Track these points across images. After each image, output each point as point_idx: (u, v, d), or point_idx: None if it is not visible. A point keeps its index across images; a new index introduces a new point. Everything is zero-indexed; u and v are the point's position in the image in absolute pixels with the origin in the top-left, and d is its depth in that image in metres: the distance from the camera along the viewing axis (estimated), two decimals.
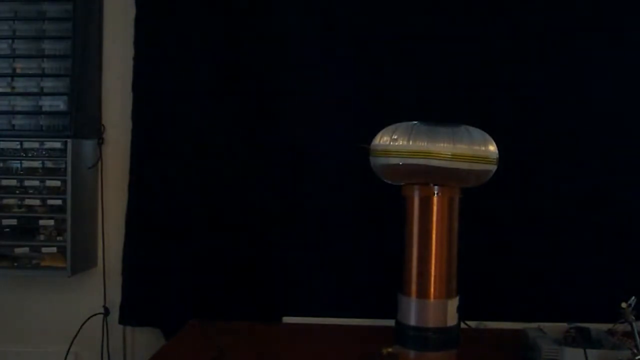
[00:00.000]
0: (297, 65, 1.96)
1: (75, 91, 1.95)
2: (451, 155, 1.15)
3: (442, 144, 1.15)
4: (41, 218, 1.94)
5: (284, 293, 1.95)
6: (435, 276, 1.23)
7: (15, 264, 1.94)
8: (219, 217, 1.97)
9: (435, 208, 1.23)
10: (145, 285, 2.00)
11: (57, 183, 1.94)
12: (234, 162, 1.97)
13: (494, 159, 1.21)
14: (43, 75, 1.96)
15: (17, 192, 1.95)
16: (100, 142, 2.08)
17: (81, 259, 2.01)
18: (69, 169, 1.92)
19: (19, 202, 1.95)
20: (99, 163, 2.08)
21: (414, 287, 1.24)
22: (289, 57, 1.96)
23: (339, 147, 1.88)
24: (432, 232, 1.23)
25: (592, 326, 1.41)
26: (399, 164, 1.18)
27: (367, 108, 1.90)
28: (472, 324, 1.74)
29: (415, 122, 1.22)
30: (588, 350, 1.28)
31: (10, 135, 1.96)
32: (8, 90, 1.97)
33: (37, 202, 1.94)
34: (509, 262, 1.89)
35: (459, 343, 1.24)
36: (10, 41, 1.96)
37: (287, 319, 1.87)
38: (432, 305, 1.22)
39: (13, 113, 1.97)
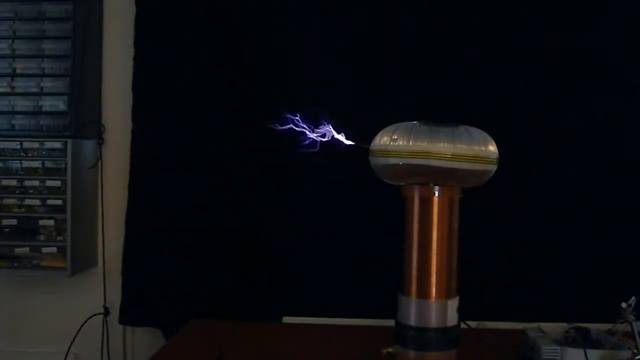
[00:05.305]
0: (296, 61, 1.95)
1: (75, 91, 1.95)
2: (451, 155, 1.15)
3: (442, 144, 1.15)
4: (41, 218, 1.94)
5: (284, 293, 1.95)
6: (435, 276, 1.23)
7: (15, 264, 1.95)
8: (218, 217, 1.97)
9: (435, 208, 1.23)
10: (145, 285, 2.00)
11: (57, 183, 1.94)
12: (234, 163, 1.97)
13: (494, 159, 1.21)
14: (43, 75, 1.96)
15: (17, 192, 1.95)
16: (100, 142, 2.08)
17: (81, 259, 2.01)
18: (69, 169, 1.93)
19: (19, 202, 1.95)
20: (99, 163, 2.08)
21: (414, 287, 1.23)
22: (288, 53, 1.96)
23: (339, 148, 1.87)
24: (432, 232, 1.23)
25: (592, 326, 1.41)
26: (399, 164, 1.18)
27: (368, 109, 1.90)
28: (472, 324, 1.74)
29: (415, 122, 1.22)
30: (588, 350, 1.28)
31: (10, 135, 1.96)
32: (8, 90, 1.97)
33: (37, 202, 1.95)
34: (509, 262, 1.88)
35: (459, 343, 1.24)
36: (10, 41, 1.96)
37: (287, 319, 1.87)
38: (432, 305, 1.22)
39: (13, 113, 1.97)
